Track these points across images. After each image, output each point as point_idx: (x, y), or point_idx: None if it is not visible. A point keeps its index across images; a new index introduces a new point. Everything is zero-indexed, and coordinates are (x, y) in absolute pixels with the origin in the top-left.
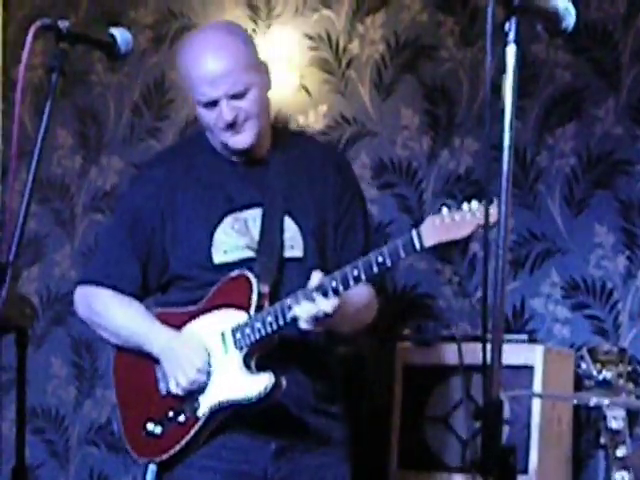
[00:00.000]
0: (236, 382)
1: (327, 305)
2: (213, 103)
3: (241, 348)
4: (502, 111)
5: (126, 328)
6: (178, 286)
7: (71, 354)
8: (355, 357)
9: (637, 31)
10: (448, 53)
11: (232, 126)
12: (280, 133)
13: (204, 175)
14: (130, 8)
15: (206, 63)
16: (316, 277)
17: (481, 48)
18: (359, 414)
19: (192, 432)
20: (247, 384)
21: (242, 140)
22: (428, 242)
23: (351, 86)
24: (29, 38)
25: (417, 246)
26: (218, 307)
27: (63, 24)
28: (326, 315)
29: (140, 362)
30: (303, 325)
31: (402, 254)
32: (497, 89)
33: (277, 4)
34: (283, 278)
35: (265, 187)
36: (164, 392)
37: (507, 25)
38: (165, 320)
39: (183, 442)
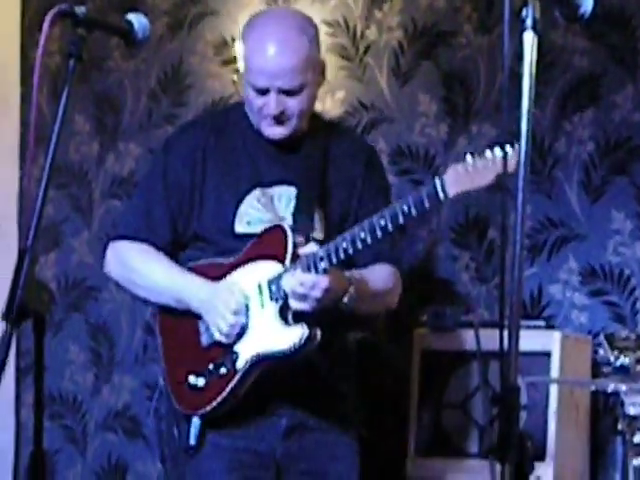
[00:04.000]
0: (271, 334)
1: (309, 277)
2: (264, 91)
3: (277, 300)
4: (519, 98)
5: (164, 283)
6: (196, 248)
7: (88, 340)
8: (372, 343)
9: None
10: (466, 39)
11: (275, 118)
12: (317, 121)
13: (237, 146)
14: None
15: (268, 54)
16: (309, 247)
17: (499, 35)
18: (376, 400)
19: (232, 384)
20: (282, 336)
21: (278, 132)
22: (451, 191)
23: (369, 72)
24: (46, 24)
25: (441, 195)
26: (254, 259)
27: (80, 10)
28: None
29: (182, 317)
30: (292, 304)
31: (427, 204)
32: (515, 76)
33: None
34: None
35: (297, 168)
36: (205, 344)
37: (524, 11)
38: (202, 273)
39: (224, 394)
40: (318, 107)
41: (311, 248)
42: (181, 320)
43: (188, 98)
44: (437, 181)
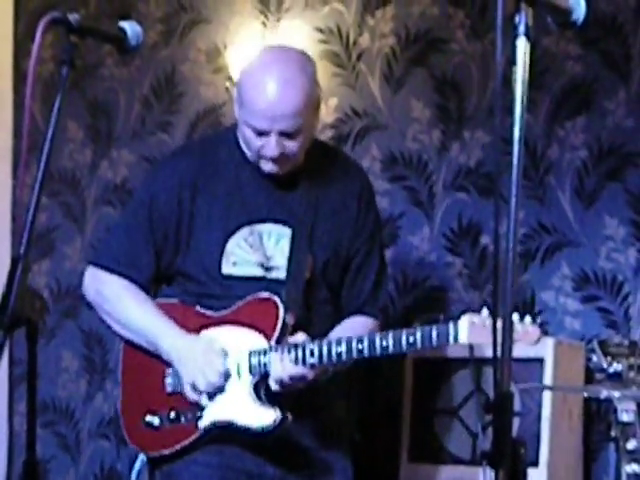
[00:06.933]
0: (243, 407)
1: (297, 370)
2: (262, 133)
3: (254, 374)
4: (512, 104)
5: (138, 323)
6: (179, 285)
7: (82, 347)
8: None
9: None
10: (458, 46)
11: (274, 160)
12: (313, 149)
13: (228, 179)
14: (140, 1)
15: (269, 97)
16: (299, 337)
17: (491, 41)
18: (369, 408)
19: (189, 440)
20: (254, 413)
21: (276, 170)
22: (463, 339)
23: (361, 79)
24: (39, 31)
25: (451, 340)
26: (240, 324)
27: (73, 17)
28: (295, 379)
29: (149, 355)
30: (272, 386)
31: (434, 342)
32: (507, 82)
33: None
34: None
35: (289, 205)
36: (170, 389)
37: (517, 18)
38: (182, 317)
39: (178, 446)
40: None
41: (301, 338)
42: (147, 357)
43: (181, 105)
44: (451, 326)
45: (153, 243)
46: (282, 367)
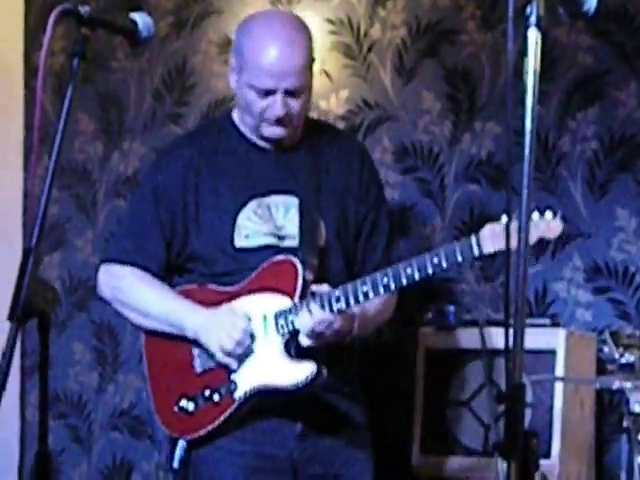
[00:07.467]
0: (276, 368)
1: (325, 316)
2: (268, 92)
3: (283, 334)
4: (524, 95)
5: (159, 308)
6: (191, 271)
7: (93, 339)
8: (377, 342)
9: None
10: (469, 37)
11: (278, 120)
12: (308, 123)
13: (230, 158)
14: None
15: (275, 55)
16: (323, 287)
17: (503, 32)
18: (381, 399)
19: (227, 413)
20: (288, 371)
21: (278, 132)
22: (487, 248)
23: (372, 71)
24: (50, 24)
25: (475, 251)
26: (260, 290)
27: (84, 9)
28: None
29: (173, 341)
30: (303, 340)
31: (459, 258)
32: (519, 73)
33: None
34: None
35: (293, 175)
36: (199, 370)
37: (528, 8)
38: (202, 298)
39: (217, 422)
40: (323, 105)
41: (324, 287)
42: (172, 343)
43: (192, 97)
44: (473, 237)
45: (161, 231)
46: (310, 316)
